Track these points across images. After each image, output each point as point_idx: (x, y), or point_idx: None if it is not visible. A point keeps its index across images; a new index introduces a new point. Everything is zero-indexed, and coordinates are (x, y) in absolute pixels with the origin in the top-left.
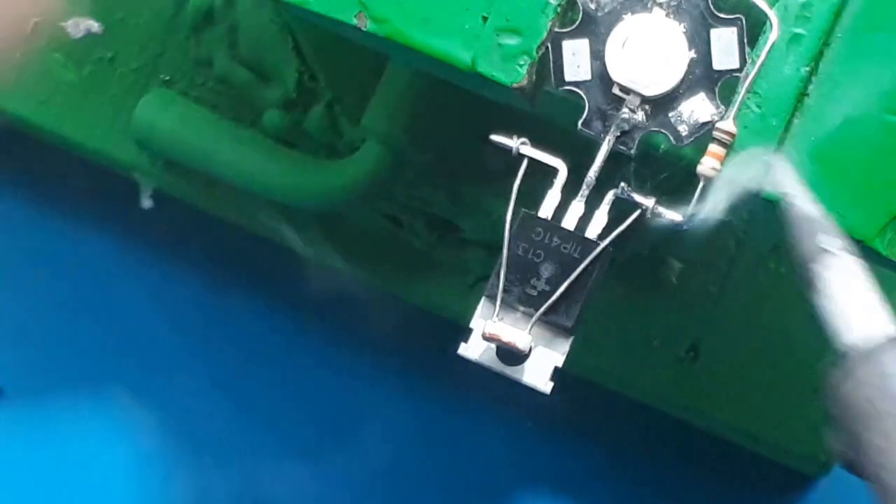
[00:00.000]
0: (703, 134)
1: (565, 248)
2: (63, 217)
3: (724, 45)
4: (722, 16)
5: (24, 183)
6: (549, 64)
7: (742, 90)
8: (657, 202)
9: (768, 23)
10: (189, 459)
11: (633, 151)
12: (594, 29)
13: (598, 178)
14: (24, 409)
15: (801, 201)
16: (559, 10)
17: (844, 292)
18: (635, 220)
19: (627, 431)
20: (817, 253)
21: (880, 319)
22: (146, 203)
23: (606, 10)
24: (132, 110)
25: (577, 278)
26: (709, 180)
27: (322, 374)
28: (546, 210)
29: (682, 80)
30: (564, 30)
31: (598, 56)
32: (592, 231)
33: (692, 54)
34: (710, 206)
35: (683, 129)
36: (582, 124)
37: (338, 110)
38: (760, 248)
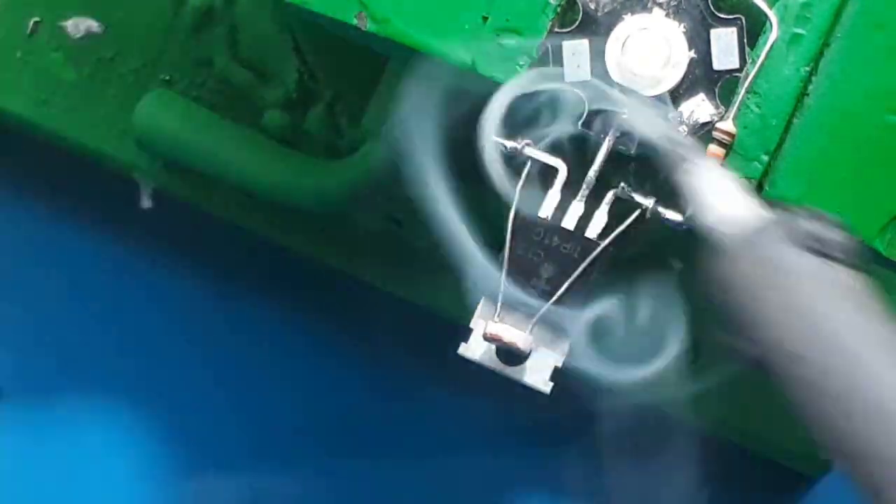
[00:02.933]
0: (703, 134)
1: (565, 248)
2: (63, 217)
3: (724, 45)
4: (722, 16)
5: (23, 183)
6: (549, 64)
7: (742, 90)
8: (657, 202)
9: (768, 23)
10: (189, 460)
11: (633, 151)
12: (594, 29)
13: (598, 178)
14: (24, 410)
15: (664, 128)
16: (559, 10)
17: (712, 190)
18: (635, 219)
19: (627, 431)
20: (682, 164)
21: (750, 206)
22: (146, 203)
23: (606, 10)
24: (132, 110)
25: (576, 279)
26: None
27: (321, 374)
28: (546, 210)
29: (682, 80)
30: (564, 30)
31: (598, 56)
32: (592, 231)
33: (692, 54)
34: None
35: (683, 130)
36: (582, 124)
37: (338, 110)
38: None
